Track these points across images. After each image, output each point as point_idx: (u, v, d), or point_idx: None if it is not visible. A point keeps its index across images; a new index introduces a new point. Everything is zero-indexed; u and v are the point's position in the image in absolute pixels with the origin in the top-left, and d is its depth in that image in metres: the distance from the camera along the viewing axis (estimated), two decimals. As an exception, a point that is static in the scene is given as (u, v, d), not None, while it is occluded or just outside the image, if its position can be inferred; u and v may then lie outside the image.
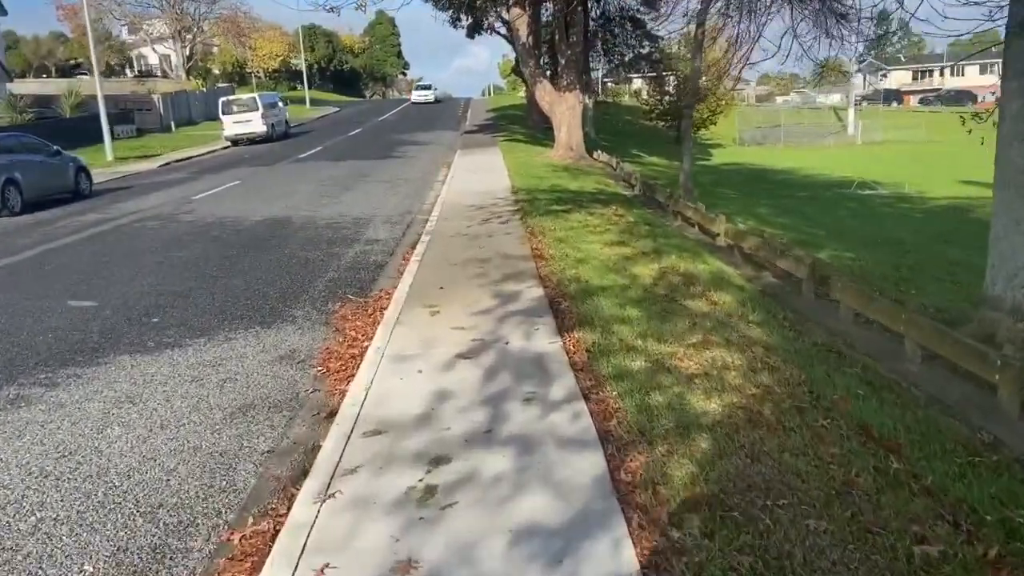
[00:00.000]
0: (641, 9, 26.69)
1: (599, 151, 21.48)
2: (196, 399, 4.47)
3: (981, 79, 66.65)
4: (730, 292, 6.60)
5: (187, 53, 55.44)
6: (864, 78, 58.21)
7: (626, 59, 31.64)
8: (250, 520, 3.13)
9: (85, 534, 3.12)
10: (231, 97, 30.84)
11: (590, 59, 29.05)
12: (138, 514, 3.24)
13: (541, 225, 9.45)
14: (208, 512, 3.24)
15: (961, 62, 59.82)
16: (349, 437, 3.73)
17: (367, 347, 5.20)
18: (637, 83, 49.14)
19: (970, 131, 9.30)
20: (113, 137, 25.72)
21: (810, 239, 11.85)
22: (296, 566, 2.69)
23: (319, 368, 4.98)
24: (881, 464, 3.41)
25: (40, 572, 2.87)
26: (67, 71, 58.91)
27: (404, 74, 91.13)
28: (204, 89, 46.00)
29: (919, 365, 5.49)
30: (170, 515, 3.22)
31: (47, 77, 56.54)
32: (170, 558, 2.93)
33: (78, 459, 3.76)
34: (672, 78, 36.05)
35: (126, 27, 59.85)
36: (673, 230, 10.59)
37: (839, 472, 3.29)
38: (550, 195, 12.55)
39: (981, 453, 3.69)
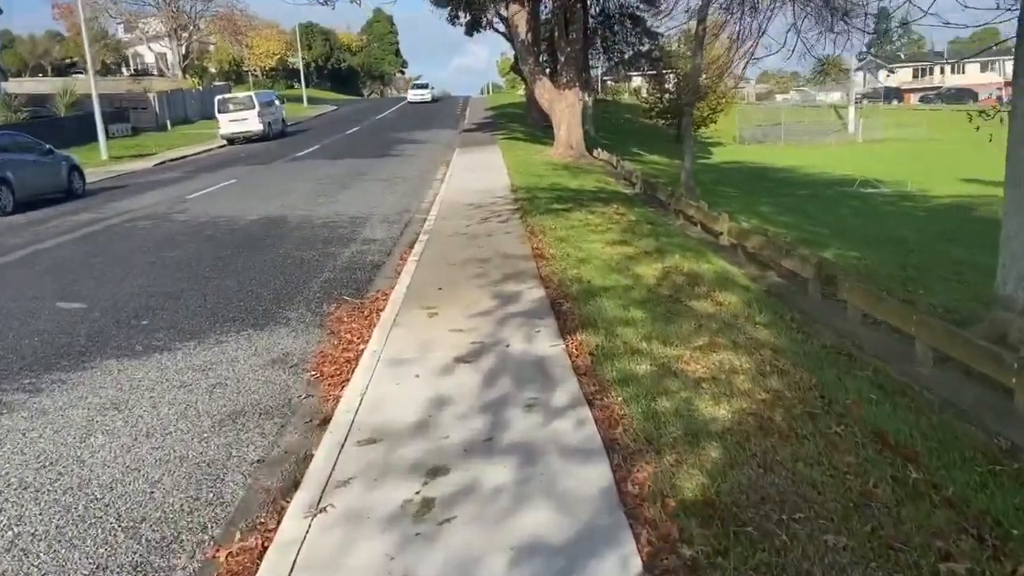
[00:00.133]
0: (641, 6, 26.51)
1: (599, 149, 21.32)
2: (184, 406, 4.30)
3: (982, 77, 66.61)
4: (735, 292, 6.44)
5: (183, 51, 55.17)
6: (864, 76, 58.10)
7: (626, 57, 31.44)
8: (237, 536, 2.96)
9: (64, 551, 2.96)
10: (227, 95, 30.62)
11: (589, 57, 28.87)
12: (119, 529, 3.08)
13: (541, 224, 9.29)
14: (193, 527, 3.08)
15: (971, 58, 59.69)
16: (343, 446, 3.57)
17: (363, 350, 5.04)
18: (637, 81, 48.98)
19: (978, 128, 9.17)
20: (108, 136, 25.52)
21: (813, 238, 11.70)
22: (284, 587, 2.53)
23: (313, 372, 4.81)
24: (899, 474, 3.25)
25: (14, 592, 2.71)
26: (63, 70, 58.65)
27: (402, 72, 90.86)
28: (200, 88, 45.75)
29: (931, 368, 5.35)
30: (153, 530, 3.06)
31: (43, 76, 56.27)
32: (152, 577, 2.77)
33: (59, 469, 3.59)
34: (672, 76, 35.85)
35: (122, 25, 59.58)
36: (675, 229, 10.44)
37: (856, 482, 3.13)
38: (550, 194, 12.39)
39: (1001, 461, 3.54)
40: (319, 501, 3.07)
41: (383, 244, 9.10)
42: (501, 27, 29.58)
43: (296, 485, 3.30)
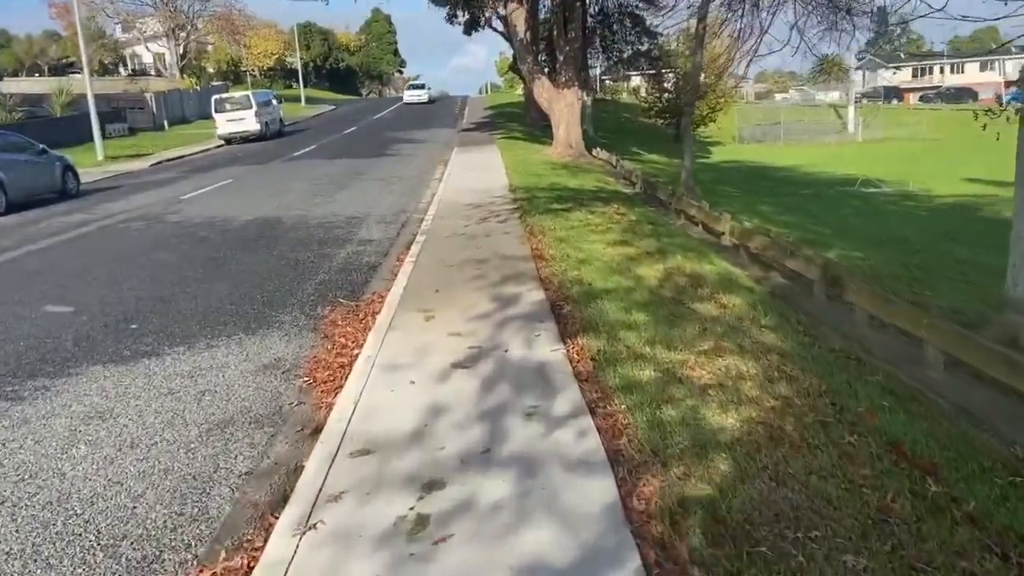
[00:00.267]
0: (640, 5, 26.35)
1: (598, 149, 21.17)
2: (171, 414, 4.14)
3: (981, 76, 66.52)
4: (739, 294, 6.29)
5: (181, 51, 54.96)
6: (863, 75, 57.99)
7: (624, 56, 31.25)
8: (222, 555, 2.81)
9: (39, 571, 2.80)
10: (224, 95, 30.43)
11: (588, 56, 28.70)
12: (98, 547, 2.92)
13: (541, 224, 9.13)
14: (176, 545, 2.92)
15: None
16: (334, 457, 3.41)
17: (357, 355, 4.88)
18: (635, 80, 48.83)
19: (984, 127, 9.02)
20: (104, 136, 25.33)
21: (816, 238, 11.56)
22: (269, 613, 2.37)
23: (305, 379, 4.66)
24: (917, 487, 3.10)
25: (-16, 617, 2.56)
26: (60, 70, 58.45)
27: (401, 72, 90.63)
28: (198, 87, 45.59)
29: (941, 372, 5.21)
30: (134, 549, 2.90)
31: (40, 76, 56.05)
32: (130, 600, 2.62)
33: (39, 483, 3.43)
34: (671, 75, 35.70)
35: (120, 25, 59.37)
36: (676, 229, 10.28)
37: (873, 497, 2.98)
38: (549, 193, 12.23)
39: (1020, 472, 3.38)
40: (309, 517, 2.92)
41: (380, 245, 8.94)
42: (499, 26, 29.40)
43: (285, 499, 3.15)
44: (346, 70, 78.24)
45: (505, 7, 21.42)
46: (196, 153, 25.55)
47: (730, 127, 41.52)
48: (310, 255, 8.42)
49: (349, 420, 3.80)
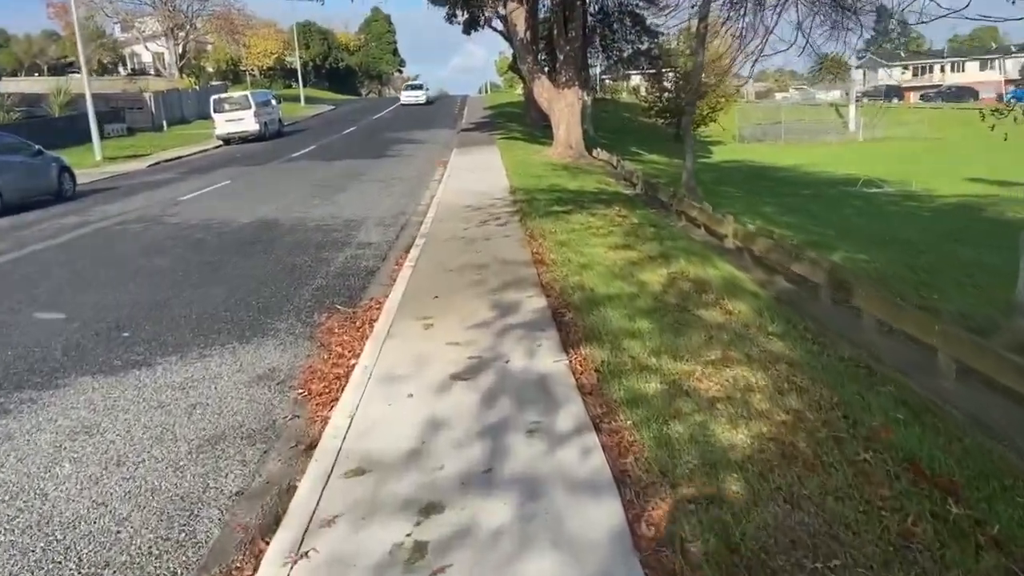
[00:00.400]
0: (640, 4, 26.20)
1: (598, 149, 21.02)
2: (160, 429, 4.00)
3: (981, 75, 66.39)
4: (744, 300, 6.15)
5: (180, 51, 54.77)
6: (864, 74, 57.83)
7: (625, 55, 31.13)
8: (209, 584, 2.67)
9: (17, 601, 2.66)
10: (223, 95, 30.26)
11: (588, 56, 28.56)
12: None
13: (541, 227, 8.99)
14: (161, 574, 2.78)
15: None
16: (329, 477, 3.27)
17: (354, 365, 4.75)
18: (635, 80, 48.67)
19: (992, 127, 8.91)
20: (103, 136, 25.18)
21: (820, 239, 11.41)
22: (257, 652, 2.23)
23: (300, 391, 4.52)
24: (938, 508, 2.96)
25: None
26: (60, 69, 58.30)
27: (400, 72, 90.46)
28: (197, 87, 45.42)
29: (953, 380, 5.07)
30: (116, 577, 2.77)
31: (39, 76, 55.89)
32: (111, 634, 2.48)
33: (19, 504, 3.29)
34: (671, 75, 35.55)
35: (118, 25, 59.20)
36: (678, 231, 10.14)
37: (893, 520, 2.85)
38: (550, 195, 12.09)
39: (1044, 491, 3.25)
40: (301, 544, 2.78)
41: (378, 248, 8.80)
42: (499, 26, 29.27)
43: (277, 522, 3.01)
44: (345, 70, 78.06)
45: (505, 6, 21.27)
46: (195, 154, 25.39)
47: (730, 126, 41.36)
48: (307, 259, 8.27)
49: (344, 436, 3.66)
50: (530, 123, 29.48)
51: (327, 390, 4.43)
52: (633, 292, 6.12)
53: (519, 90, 48.93)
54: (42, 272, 8.29)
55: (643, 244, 8.18)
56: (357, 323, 5.77)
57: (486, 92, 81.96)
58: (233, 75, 60.59)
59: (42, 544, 2.99)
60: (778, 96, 68.01)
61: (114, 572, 2.80)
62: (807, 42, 11.10)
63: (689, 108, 18.17)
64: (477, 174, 15.50)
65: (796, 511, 2.88)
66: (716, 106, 35.63)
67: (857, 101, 45.79)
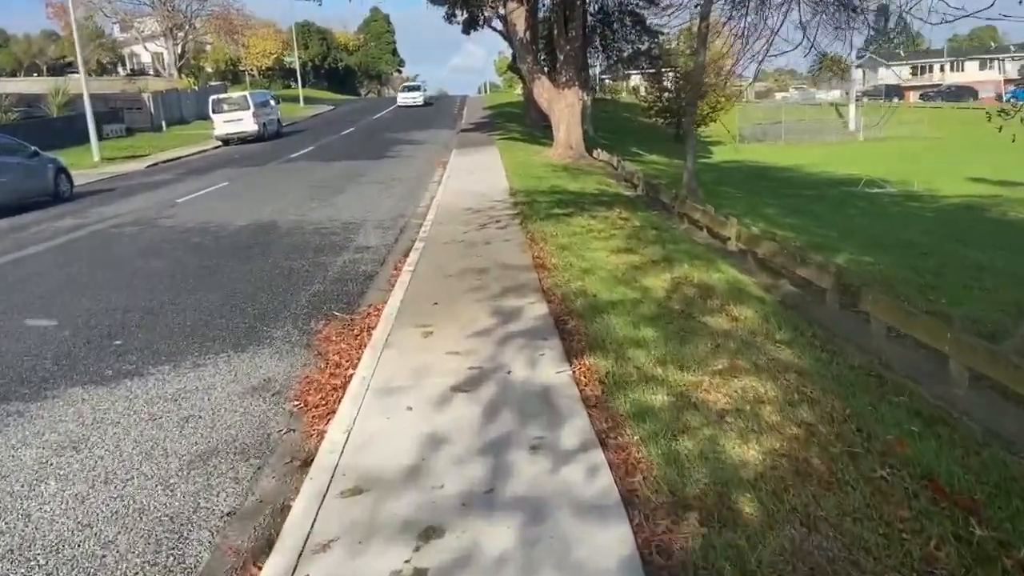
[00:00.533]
0: (641, 3, 26.06)
1: (599, 149, 20.89)
2: (150, 444, 3.87)
3: (981, 75, 66.28)
4: (750, 305, 6.03)
5: (179, 51, 54.63)
6: (863, 73, 57.71)
7: (625, 55, 30.99)
8: (197, 614, 2.54)
9: (-4, 631, 2.53)
10: (221, 96, 30.13)
11: (588, 55, 28.42)
12: (62, 604, 2.65)
13: (542, 230, 8.86)
14: (147, 602, 2.66)
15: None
16: (324, 497, 3.14)
17: (351, 375, 4.61)
18: (635, 79, 48.54)
19: (1000, 128, 8.78)
20: (101, 137, 25.06)
21: (823, 241, 11.29)
22: None
23: (296, 402, 4.39)
24: (961, 530, 2.84)
25: None
26: (59, 70, 58.15)
27: (399, 71, 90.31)
28: (196, 88, 45.27)
29: (966, 389, 4.94)
30: (100, 606, 2.64)
31: (38, 76, 55.75)
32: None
33: (0, 527, 3.16)
34: (672, 74, 35.42)
35: (118, 25, 59.04)
36: (681, 234, 10.01)
37: (914, 544, 2.72)
38: (550, 197, 11.96)
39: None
40: (295, 570, 2.65)
41: (377, 252, 8.67)
42: (498, 25, 29.12)
43: (270, 545, 2.88)
44: (345, 70, 77.92)
45: (504, 6, 21.14)
46: (193, 154, 25.26)
47: (730, 126, 41.23)
48: (305, 263, 8.14)
49: (341, 452, 3.53)
50: (530, 123, 29.34)
51: (324, 402, 4.30)
52: (636, 298, 5.99)
53: (518, 90, 48.79)
54: (35, 276, 8.16)
55: (645, 247, 8.06)
56: (355, 331, 5.64)
57: (485, 92, 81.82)
58: (232, 75, 60.45)
59: (23, 570, 2.85)
60: (778, 96, 67.91)
61: (98, 601, 2.67)
62: (811, 45, 10.96)
63: (690, 108, 18.03)
64: (477, 175, 15.37)
65: (813, 534, 2.75)
66: (717, 106, 35.49)
67: (857, 101, 45.66)
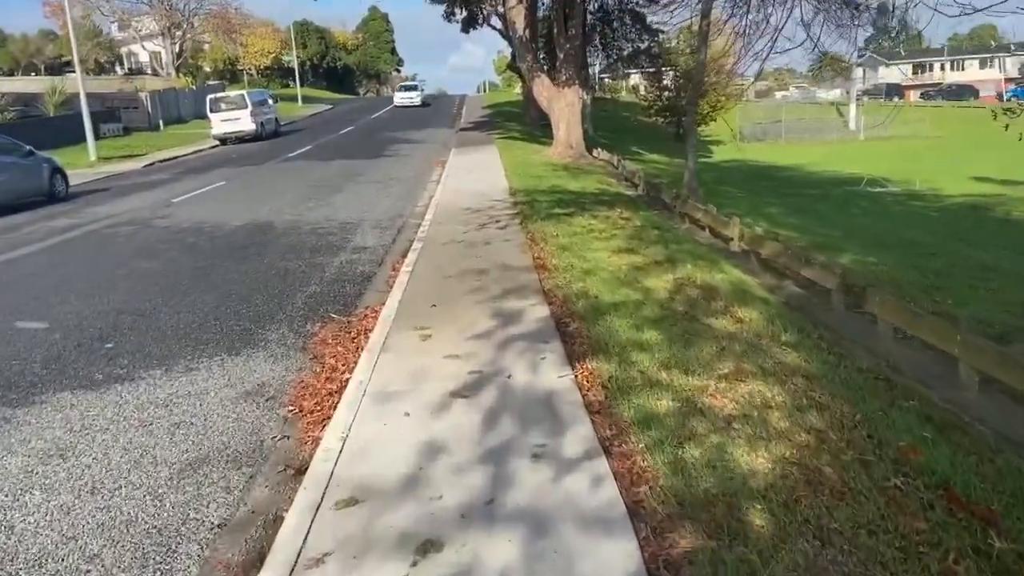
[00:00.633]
0: (641, 1, 25.94)
1: (598, 149, 20.77)
2: (140, 451, 3.75)
3: (981, 73, 66.22)
4: (755, 307, 5.91)
5: (177, 50, 54.45)
6: (864, 72, 57.58)
7: (624, 53, 30.89)
8: (184, 634, 2.43)
9: (-27, 651, 2.42)
10: (219, 95, 29.98)
11: (587, 54, 28.31)
12: (43, 623, 2.54)
13: (542, 231, 8.74)
14: (132, 621, 2.54)
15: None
16: (318, 508, 3.03)
17: (347, 380, 4.50)
18: (635, 78, 48.42)
19: (1007, 127, 8.68)
20: (98, 136, 24.92)
21: (827, 241, 11.18)
22: None
23: (290, 408, 4.27)
24: (979, 543, 2.73)
25: None
26: (57, 69, 57.95)
27: (398, 71, 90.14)
28: (194, 87, 45.10)
29: (976, 392, 4.84)
30: (83, 625, 2.52)
31: (36, 75, 55.57)
32: None
33: (-17, 538, 3.05)
34: (672, 73, 35.30)
35: (115, 24, 58.85)
36: (683, 234, 9.90)
37: (932, 558, 2.61)
38: (550, 196, 11.85)
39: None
40: (285, 587, 2.53)
41: (374, 252, 8.55)
42: (498, 24, 29.03)
43: (261, 559, 2.77)
44: (343, 69, 77.74)
45: (504, 4, 21.02)
46: (190, 154, 25.12)
47: (732, 125, 41.11)
48: (301, 264, 8.02)
49: (336, 460, 3.41)
50: (529, 122, 29.22)
51: (319, 407, 4.19)
52: (639, 299, 5.88)
53: (517, 89, 48.66)
54: (27, 277, 8.04)
55: (647, 248, 7.94)
56: (352, 333, 5.52)
57: (484, 91, 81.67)
58: (230, 74, 60.28)
59: (4, 586, 2.74)
60: (778, 95, 67.78)
61: (80, 619, 2.55)
62: (815, 44, 10.85)
63: (691, 107, 17.90)
64: (476, 174, 15.25)
65: (827, 548, 2.64)
66: (717, 105, 35.38)
67: (858, 100, 45.56)
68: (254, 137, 27.88)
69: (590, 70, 33.95)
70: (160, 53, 56.10)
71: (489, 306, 5.78)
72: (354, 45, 79.91)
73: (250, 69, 62.36)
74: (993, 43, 73.96)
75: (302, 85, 56.49)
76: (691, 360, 4.48)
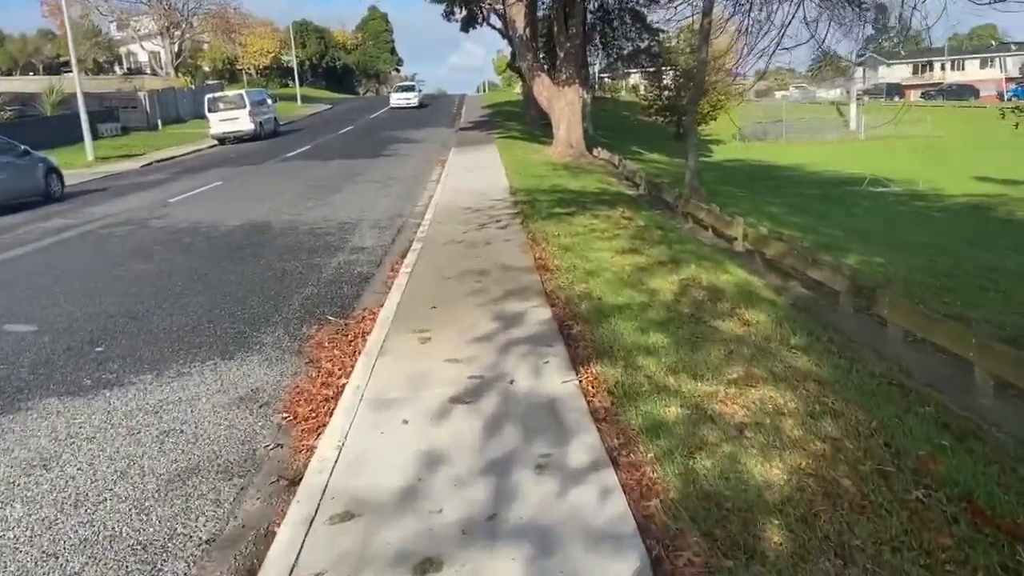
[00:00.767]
0: (641, 0, 25.79)
1: (599, 148, 20.63)
2: (127, 461, 3.60)
3: (981, 73, 66.09)
4: (762, 309, 5.77)
5: (176, 50, 54.30)
6: (864, 72, 57.47)
7: (625, 52, 30.75)
8: (167, 660, 2.28)
9: None
10: (217, 94, 29.83)
11: (587, 54, 28.16)
12: (19, 647, 2.39)
13: (544, 230, 8.60)
14: (112, 646, 2.39)
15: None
16: (312, 522, 2.88)
17: (344, 385, 4.35)
18: (635, 78, 48.28)
19: (1016, 126, 8.56)
20: (97, 136, 24.77)
21: (831, 241, 11.05)
22: None
23: (284, 414, 4.12)
24: (1007, 560, 2.59)
25: None
26: (55, 68, 57.76)
27: (398, 70, 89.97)
28: (193, 86, 44.95)
29: (991, 398, 4.69)
30: (61, 650, 2.37)
31: (34, 75, 55.39)
32: None
33: (-41, 555, 2.90)
34: (672, 72, 35.17)
35: (114, 23, 58.68)
36: (686, 234, 9.75)
37: (960, 577, 2.46)
38: (551, 196, 11.70)
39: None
40: (276, 609, 2.39)
41: (373, 253, 8.40)
42: (497, 23, 28.90)
43: (251, 577, 2.62)
44: (343, 69, 77.59)
45: (504, 3, 20.88)
46: (188, 153, 24.96)
47: (731, 125, 40.96)
48: (298, 265, 7.87)
49: (331, 471, 3.26)
50: (529, 122, 29.08)
51: (314, 414, 4.04)
52: (644, 301, 5.73)
53: (517, 89, 48.54)
54: (20, 278, 7.88)
55: (651, 248, 7.80)
56: (349, 336, 5.38)
57: (484, 91, 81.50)
58: (229, 74, 60.14)
59: (-22, 607, 2.60)
60: (778, 95, 67.63)
61: (58, 644, 2.40)
62: (820, 45, 10.71)
63: (691, 107, 17.76)
64: (476, 174, 15.10)
65: (850, 567, 2.49)
66: (717, 104, 35.23)
67: (858, 99, 45.42)
68: (253, 137, 27.73)
69: (590, 69, 33.81)
70: (159, 53, 55.93)
71: (490, 308, 5.63)
72: (353, 45, 79.76)
73: (249, 69, 62.21)
74: (993, 42, 73.83)
75: (301, 85, 56.33)
76: (699, 364, 4.34)
